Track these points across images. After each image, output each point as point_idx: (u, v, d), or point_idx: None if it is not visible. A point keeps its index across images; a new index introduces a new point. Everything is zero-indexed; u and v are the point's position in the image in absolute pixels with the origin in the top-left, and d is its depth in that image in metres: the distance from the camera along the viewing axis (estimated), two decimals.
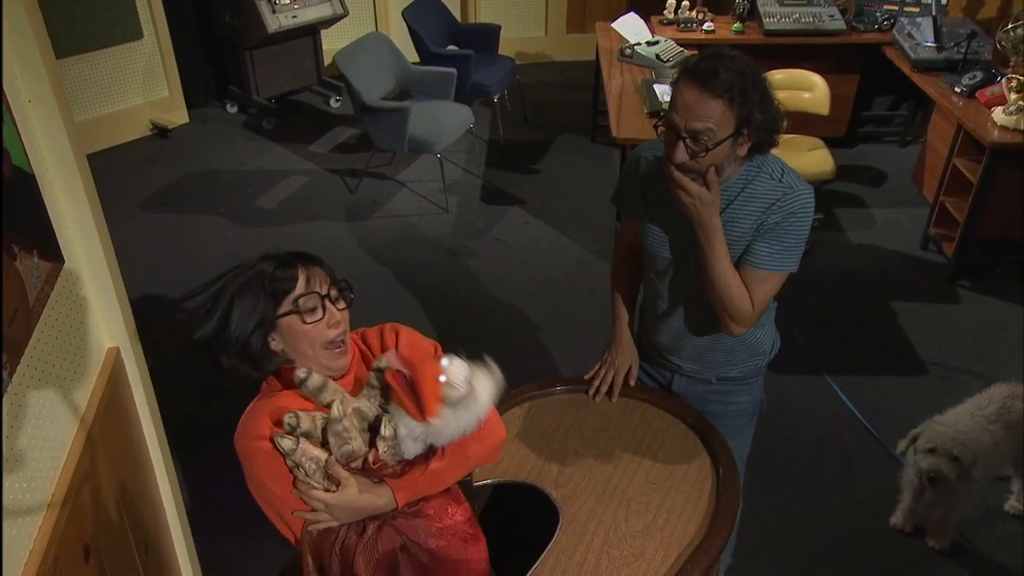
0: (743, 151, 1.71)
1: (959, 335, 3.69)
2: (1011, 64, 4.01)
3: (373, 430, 1.40)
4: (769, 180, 1.77)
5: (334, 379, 1.46)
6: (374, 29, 6.11)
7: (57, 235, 1.58)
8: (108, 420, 1.74)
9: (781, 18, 4.79)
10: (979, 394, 2.73)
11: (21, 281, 1.39)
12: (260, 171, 5.10)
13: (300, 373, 1.39)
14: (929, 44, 4.38)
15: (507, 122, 5.55)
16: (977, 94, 3.96)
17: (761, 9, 4.84)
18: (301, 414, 1.38)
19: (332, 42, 5.68)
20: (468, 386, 1.35)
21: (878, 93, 5.23)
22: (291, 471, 1.39)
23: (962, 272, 4.03)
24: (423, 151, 4.68)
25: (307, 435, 1.38)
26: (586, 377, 2.11)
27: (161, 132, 5.46)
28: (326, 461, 1.38)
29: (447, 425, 1.35)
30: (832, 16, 4.79)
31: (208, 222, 4.57)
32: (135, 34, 5.17)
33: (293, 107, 5.91)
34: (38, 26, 1.53)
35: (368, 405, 1.42)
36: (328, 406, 1.39)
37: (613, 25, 4.88)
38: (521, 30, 6.58)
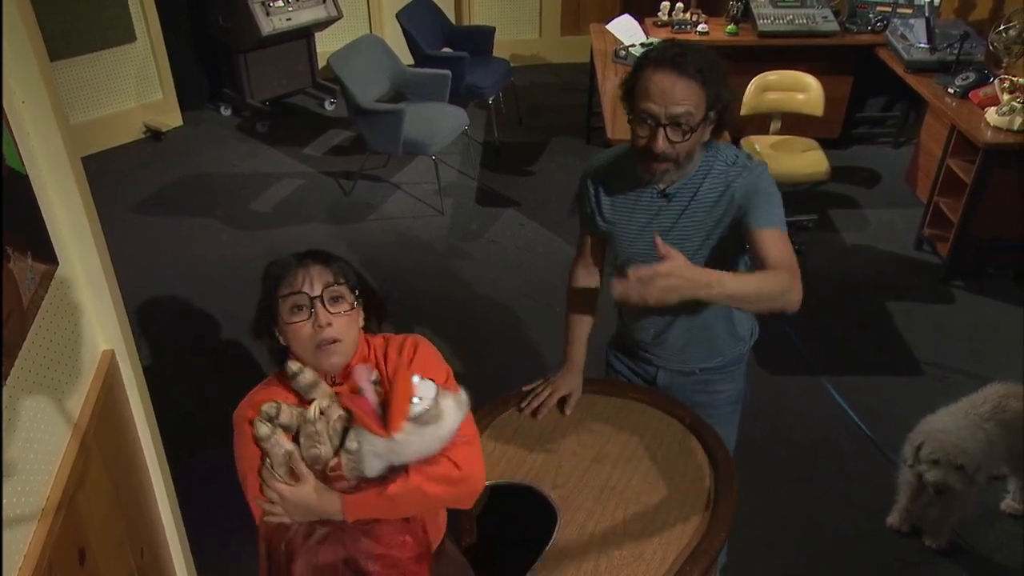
0: (707, 134, 1.73)
1: (954, 335, 3.70)
2: (1004, 65, 4.04)
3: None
4: (726, 164, 1.79)
5: (338, 380, 1.48)
6: (368, 31, 6.11)
7: (51, 237, 1.57)
8: (103, 423, 1.73)
9: (775, 20, 4.80)
10: (974, 393, 2.73)
11: (15, 283, 1.37)
12: (254, 174, 5.09)
13: (292, 367, 1.44)
14: (922, 45, 4.40)
15: (502, 124, 5.55)
16: (970, 95, 3.98)
17: (755, 11, 4.86)
18: (283, 407, 1.42)
19: (326, 44, 5.67)
20: (434, 403, 1.35)
21: (871, 94, 5.25)
22: (261, 457, 1.44)
23: (956, 272, 4.04)
24: (418, 153, 4.68)
25: (285, 428, 1.42)
26: (524, 388, 2.08)
27: (155, 135, 5.44)
28: (291, 455, 1.42)
29: (408, 442, 1.35)
30: (825, 17, 4.81)
31: (202, 225, 4.55)
32: (128, 37, 5.15)
33: (287, 110, 5.90)
34: (32, 26, 1.52)
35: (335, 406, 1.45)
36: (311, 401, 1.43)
37: (608, 27, 4.89)
38: (515, 32, 6.58)
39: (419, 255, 4.31)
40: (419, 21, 5.26)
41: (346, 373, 1.49)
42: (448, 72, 4.80)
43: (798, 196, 4.53)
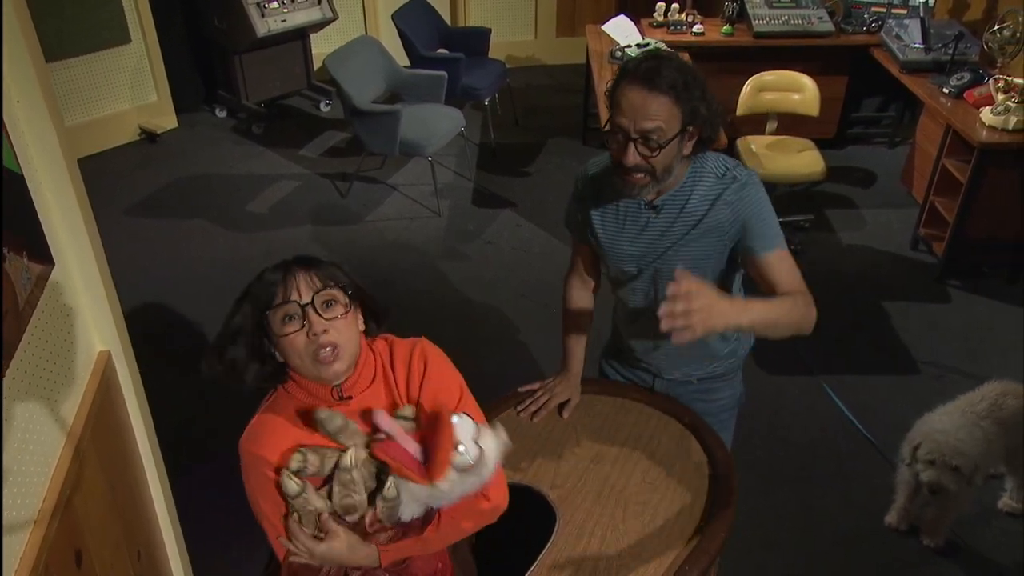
0: (688, 149, 1.71)
1: (950, 334, 3.71)
2: (998, 65, 4.05)
3: (380, 481, 1.37)
4: (713, 176, 1.77)
5: (346, 394, 1.42)
6: (363, 32, 6.10)
7: (46, 237, 1.56)
8: (99, 424, 1.72)
9: (770, 20, 4.81)
10: (971, 392, 2.74)
11: (11, 283, 1.37)
12: (250, 176, 5.08)
13: (321, 413, 1.34)
14: (917, 45, 4.41)
15: (498, 125, 5.55)
16: (965, 95, 3.99)
17: (750, 11, 4.86)
18: (310, 455, 1.34)
19: (322, 46, 5.67)
20: (476, 449, 1.29)
21: (866, 94, 5.27)
22: (287, 506, 1.38)
23: (952, 272, 4.05)
24: (414, 154, 4.67)
25: (313, 475, 1.35)
26: (520, 390, 2.07)
27: (150, 137, 5.43)
28: (322, 514, 1.37)
29: (452, 490, 1.30)
30: (820, 18, 4.82)
31: (198, 227, 4.54)
32: (123, 38, 5.14)
33: (283, 111, 5.89)
34: (27, 26, 1.52)
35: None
36: (343, 445, 1.35)
37: (603, 27, 4.90)
38: (511, 33, 6.59)
39: (416, 256, 4.30)
40: (415, 22, 5.26)
41: (351, 384, 1.43)
42: (444, 73, 4.79)
43: (794, 196, 4.55)
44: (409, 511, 1.36)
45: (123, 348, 1.86)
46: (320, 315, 1.36)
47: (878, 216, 4.61)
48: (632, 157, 1.65)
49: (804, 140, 4.29)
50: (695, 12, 5.07)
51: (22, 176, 1.47)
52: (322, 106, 5.89)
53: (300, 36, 5.64)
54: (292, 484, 1.32)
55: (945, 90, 4.07)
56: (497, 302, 3.94)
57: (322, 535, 1.38)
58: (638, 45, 4.54)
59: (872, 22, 4.82)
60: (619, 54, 4.52)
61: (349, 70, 4.53)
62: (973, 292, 3.99)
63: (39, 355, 1.51)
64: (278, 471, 1.35)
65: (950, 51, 4.26)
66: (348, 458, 1.33)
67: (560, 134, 5.58)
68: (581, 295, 2.12)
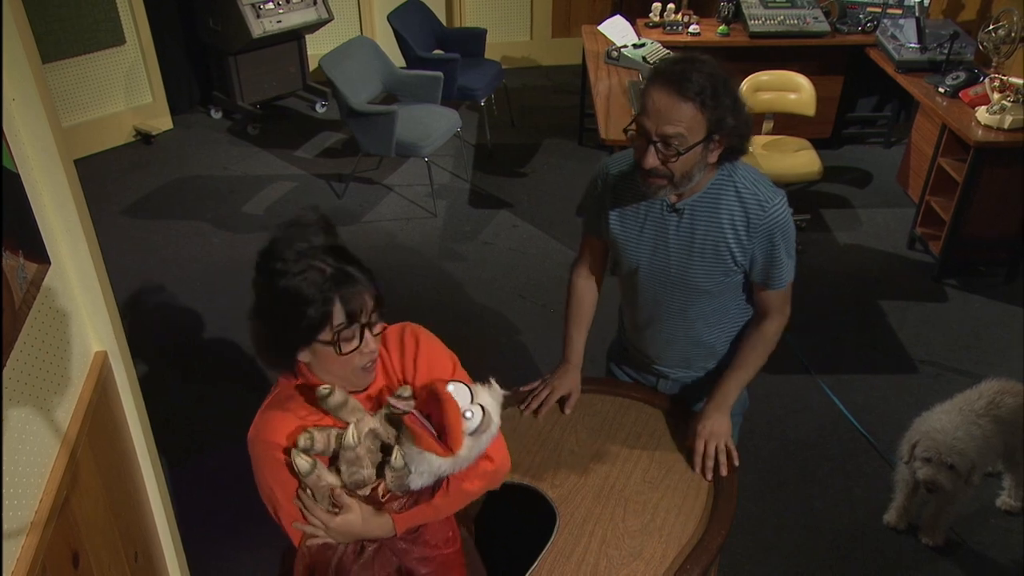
0: (714, 157, 1.69)
1: (947, 333, 3.71)
2: (993, 64, 4.06)
3: (384, 452, 1.40)
4: (743, 191, 1.75)
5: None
6: (359, 33, 6.09)
7: (42, 235, 1.55)
8: (96, 425, 1.70)
9: (766, 20, 4.81)
10: (969, 390, 2.74)
11: (7, 282, 1.35)
12: (246, 177, 5.07)
13: (323, 390, 1.35)
14: (912, 45, 4.42)
15: (494, 126, 5.55)
16: (960, 94, 4.00)
17: (746, 12, 4.87)
18: (316, 434, 1.35)
19: (317, 47, 5.65)
20: (480, 410, 1.35)
21: (862, 94, 5.27)
22: (299, 485, 1.39)
23: (949, 270, 4.06)
24: (410, 155, 4.66)
25: (321, 453, 1.37)
26: (522, 389, 2.06)
27: (145, 138, 5.41)
28: (334, 489, 1.38)
29: (470, 453, 1.37)
30: (816, 18, 4.83)
31: (194, 228, 4.52)
32: (117, 39, 5.12)
33: (278, 112, 5.88)
34: (23, 25, 1.51)
35: (385, 426, 1.41)
36: (345, 422, 1.38)
37: (599, 28, 4.90)
38: (506, 34, 6.58)
39: (413, 257, 4.29)
40: (410, 23, 5.26)
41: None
42: (440, 74, 4.79)
43: (791, 196, 4.54)
44: (421, 481, 1.39)
45: (119, 348, 1.84)
46: (373, 335, 1.38)
47: (874, 216, 4.62)
48: (651, 160, 1.64)
49: (800, 140, 4.29)
50: (691, 12, 5.07)
51: (17, 174, 1.46)
52: (318, 107, 5.88)
53: (295, 37, 5.63)
54: (303, 462, 1.33)
55: (941, 89, 4.08)
56: (494, 302, 3.93)
57: (336, 510, 1.40)
58: (634, 45, 4.55)
59: (868, 22, 4.83)
60: (615, 54, 4.52)
61: (345, 71, 4.52)
62: (970, 291, 3.99)
63: (35, 355, 1.50)
64: (288, 453, 1.36)
65: (945, 51, 4.27)
66: (350, 436, 1.34)
67: (556, 135, 5.58)
68: (586, 287, 2.10)
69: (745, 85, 4.30)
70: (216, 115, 5.76)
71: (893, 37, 4.54)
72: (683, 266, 1.82)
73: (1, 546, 1.31)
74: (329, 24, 5.62)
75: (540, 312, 3.86)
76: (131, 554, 1.87)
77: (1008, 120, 3.64)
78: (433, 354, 1.52)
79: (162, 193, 4.89)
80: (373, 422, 1.40)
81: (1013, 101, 3.67)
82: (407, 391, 1.43)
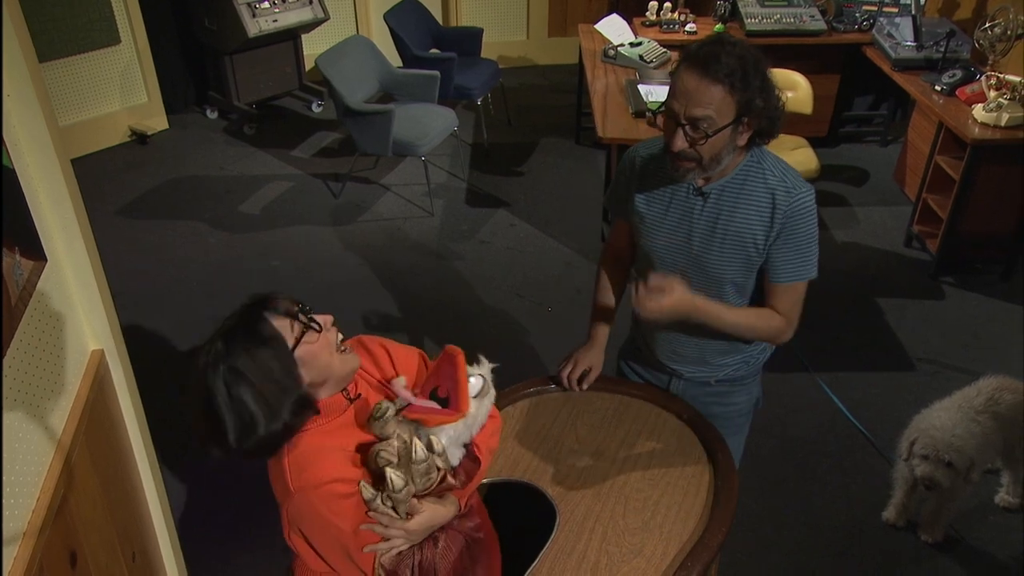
0: (743, 140, 1.68)
1: (944, 330, 3.71)
2: (990, 62, 4.06)
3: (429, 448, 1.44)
4: (772, 178, 1.74)
5: (352, 394, 1.46)
6: (355, 33, 6.08)
7: (39, 232, 1.54)
8: (93, 423, 1.69)
9: (762, 19, 4.81)
10: (967, 387, 2.74)
11: (3, 279, 1.34)
12: (242, 177, 5.05)
13: (383, 406, 1.42)
14: (909, 43, 4.42)
15: (491, 125, 5.54)
16: (957, 92, 4.00)
17: (742, 10, 4.87)
18: (394, 443, 1.40)
19: (313, 47, 5.63)
20: (480, 378, 1.48)
21: (858, 93, 5.27)
22: (374, 504, 1.36)
23: (946, 268, 4.06)
24: (407, 154, 4.65)
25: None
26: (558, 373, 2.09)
27: (140, 138, 5.39)
28: (404, 503, 1.38)
29: (478, 413, 1.46)
30: (812, 16, 4.83)
31: (190, 228, 4.51)
32: (112, 39, 5.10)
33: (274, 112, 5.87)
34: (19, 23, 1.50)
35: (412, 432, 1.43)
36: (385, 437, 1.42)
37: (596, 26, 4.89)
38: (503, 34, 6.58)
39: (410, 256, 4.28)
40: (406, 22, 5.25)
41: (352, 383, 1.47)
42: (437, 73, 4.78)
43: None
44: (455, 455, 1.47)
45: (116, 347, 1.83)
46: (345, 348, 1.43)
47: (871, 214, 4.62)
48: (680, 142, 1.64)
49: (797, 138, 4.29)
50: (687, 11, 5.08)
51: (13, 170, 1.45)
52: (314, 107, 5.87)
53: (291, 36, 5.61)
54: (399, 478, 1.34)
55: (937, 87, 4.08)
56: (492, 301, 3.93)
57: (410, 516, 1.40)
58: (631, 44, 4.54)
59: (864, 20, 4.83)
60: (612, 53, 4.52)
61: (341, 70, 4.51)
62: (967, 288, 4.00)
63: (32, 353, 1.49)
64: (349, 479, 1.35)
65: (942, 49, 4.27)
66: (419, 450, 1.36)
67: (553, 134, 5.58)
68: (615, 270, 2.10)
69: None
70: (212, 115, 5.74)
71: (889, 35, 4.54)
72: (704, 251, 1.80)
73: (1, 545, 1.30)
74: (325, 23, 5.61)
75: (537, 310, 3.85)
76: (129, 554, 1.85)
77: (1005, 117, 3.65)
78: (402, 352, 1.60)
79: (158, 193, 4.87)
80: (407, 429, 1.43)
81: (1010, 99, 3.68)
82: (404, 380, 1.49)
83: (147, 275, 4.09)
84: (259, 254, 4.25)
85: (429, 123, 4.57)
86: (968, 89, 3.95)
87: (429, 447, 1.39)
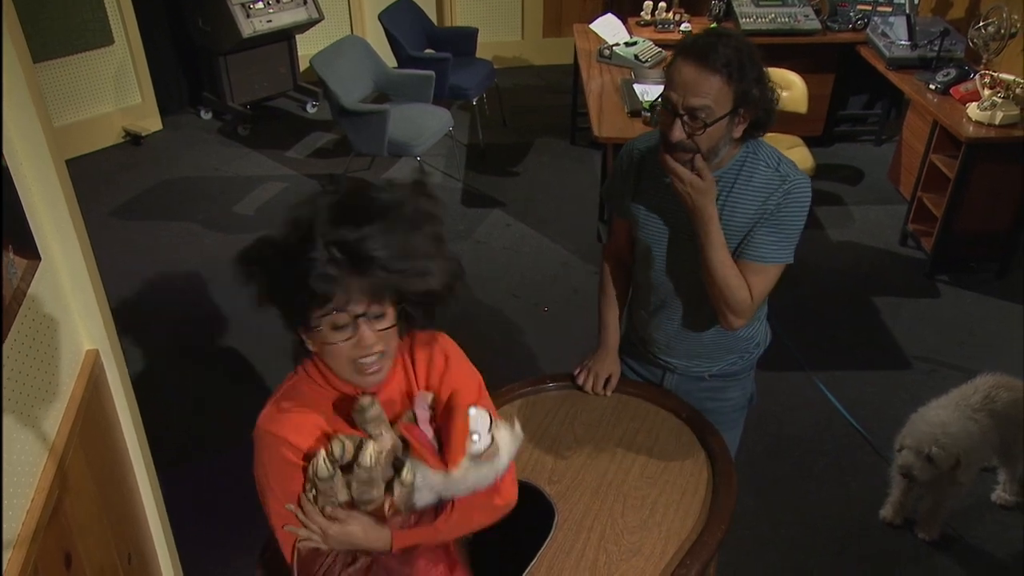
0: (739, 131, 1.68)
1: (940, 329, 3.72)
2: (983, 61, 4.07)
3: (396, 466, 1.35)
4: (766, 168, 1.74)
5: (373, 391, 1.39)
6: (350, 33, 6.07)
7: (32, 230, 1.52)
8: (88, 424, 1.68)
9: (757, 18, 4.82)
10: (965, 385, 2.74)
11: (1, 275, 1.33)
12: (236, 177, 5.03)
13: (365, 401, 1.31)
14: (903, 43, 4.43)
15: (486, 125, 5.53)
16: (951, 91, 4.01)
17: (737, 9, 4.88)
18: (347, 443, 1.31)
19: (307, 47, 5.62)
20: (490, 440, 1.32)
21: (853, 92, 5.29)
22: (304, 486, 1.34)
23: (941, 266, 4.07)
24: (402, 154, 4.64)
25: (345, 463, 1.33)
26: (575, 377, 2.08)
27: (134, 139, 5.37)
28: (343, 503, 1.35)
29: (465, 479, 1.32)
30: (807, 16, 4.83)
31: (184, 229, 4.49)
32: (105, 39, 5.08)
33: (269, 113, 5.85)
34: (13, 23, 1.49)
35: (398, 440, 1.37)
36: (367, 433, 1.33)
37: (591, 26, 4.90)
38: (497, 34, 6.57)
39: None
40: (401, 22, 5.23)
41: (382, 386, 1.39)
42: (432, 73, 4.77)
43: None
44: (423, 498, 1.35)
45: (111, 347, 1.82)
46: (371, 329, 1.29)
47: (867, 213, 4.63)
48: (677, 133, 1.64)
49: (792, 137, 4.29)
50: (682, 10, 5.08)
51: (5, 167, 1.44)
52: (308, 107, 5.85)
53: (286, 37, 5.60)
54: (325, 467, 1.29)
55: (932, 86, 4.09)
56: (488, 301, 3.92)
57: (337, 518, 1.36)
58: (626, 43, 4.54)
59: (858, 20, 4.84)
60: (607, 52, 4.52)
61: (336, 70, 4.50)
62: (962, 287, 4.01)
63: (25, 352, 1.48)
64: (300, 454, 1.32)
65: (936, 48, 4.28)
66: (368, 456, 1.29)
67: (548, 134, 5.57)
68: (618, 270, 2.09)
69: None
70: (206, 116, 5.72)
71: (883, 35, 4.55)
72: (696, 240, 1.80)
73: (1, 547, 1.28)
74: (319, 24, 5.60)
75: (533, 310, 3.85)
76: (124, 555, 1.84)
77: (999, 116, 3.66)
78: (461, 375, 1.46)
79: (152, 194, 4.85)
80: (391, 438, 1.35)
81: (1004, 97, 3.69)
82: (429, 397, 1.40)
83: (142, 276, 4.07)
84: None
85: (424, 123, 4.56)
86: (962, 88, 3.96)
87: (396, 468, 1.31)
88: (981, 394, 2.66)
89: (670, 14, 5.02)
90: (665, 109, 1.67)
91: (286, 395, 1.39)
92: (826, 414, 3.25)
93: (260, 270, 1.26)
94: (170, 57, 5.61)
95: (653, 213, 1.86)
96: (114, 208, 4.68)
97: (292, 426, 1.35)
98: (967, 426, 2.58)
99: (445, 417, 1.35)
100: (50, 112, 4.83)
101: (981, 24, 4.05)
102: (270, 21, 5.27)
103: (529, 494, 1.79)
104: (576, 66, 4.96)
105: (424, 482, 1.32)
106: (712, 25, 4.90)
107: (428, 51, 5.35)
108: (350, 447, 1.31)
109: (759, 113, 1.67)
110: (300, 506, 1.37)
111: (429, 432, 1.35)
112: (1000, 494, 2.85)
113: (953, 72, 4.06)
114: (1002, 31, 3.97)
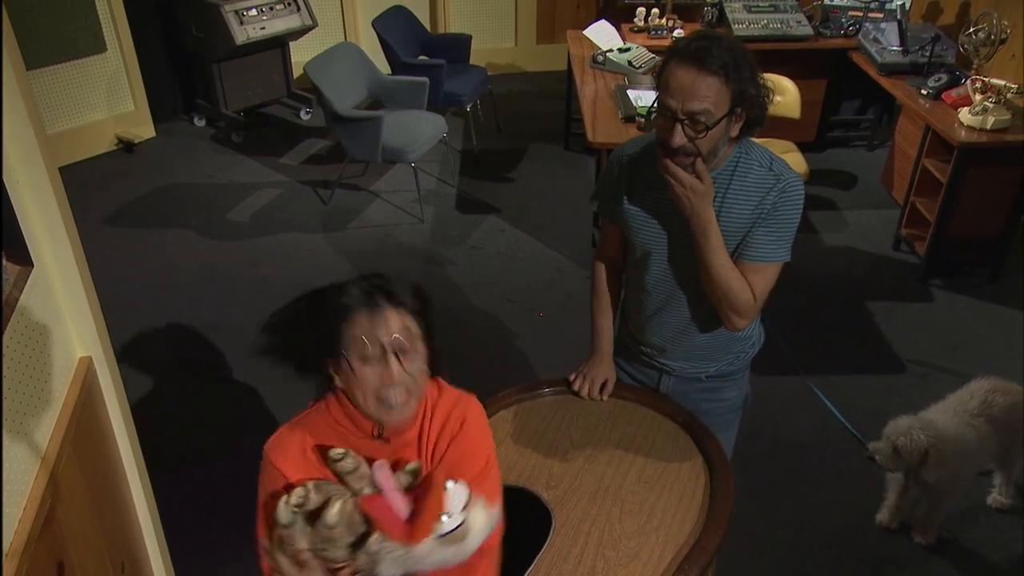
0: (736, 131, 1.69)
1: (933, 333, 3.73)
2: (974, 66, 4.10)
3: (369, 531, 1.31)
4: (759, 168, 1.75)
5: (386, 435, 1.37)
6: (343, 40, 6.06)
7: (25, 237, 1.51)
8: (81, 431, 1.67)
9: (749, 24, 4.84)
10: (961, 389, 2.75)
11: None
12: (230, 184, 5.02)
13: (335, 453, 1.30)
14: (895, 48, 4.46)
15: (480, 131, 5.54)
16: (943, 96, 4.03)
17: (730, 16, 4.90)
18: (313, 493, 1.26)
19: (301, 54, 5.62)
20: (461, 520, 1.27)
21: (845, 97, 5.31)
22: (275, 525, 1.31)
23: (934, 271, 4.09)
24: (396, 161, 4.64)
25: (311, 510, 1.29)
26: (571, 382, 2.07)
27: (127, 146, 5.36)
28: (300, 553, 1.29)
29: (429, 556, 1.27)
30: (799, 22, 4.86)
31: (178, 236, 4.48)
32: (98, 47, 5.07)
33: (262, 120, 5.84)
34: (6, 31, 1.48)
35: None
36: (352, 489, 1.31)
37: (585, 32, 4.91)
38: (491, 41, 6.58)
39: (401, 263, 4.26)
40: (395, 29, 5.24)
41: (395, 427, 1.38)
42: (426, 79, 4.78)
43: None
44: (388, 570, 1.29)
45: (104, 353, 1.81)
46: (400, 362, 1.30)
47: (860, 217, 4.65)
48: (679, 138, 1.64)
49: (786, 142, 4.31)
50: (675, 17, 5.10)
51: None
52: (302, 114, 5.85)
53: (279, 44, 5.59)
54: (286, 514, 1.25)
55: (923, 92, 4.11)
56: (483, 307, 3.91)
57: (300, 568, 1.30)
58: (620, 50, 4.55)
59: (850, 26, 4.87)
60: (601, 59, 4.53)
61: (330, 76, 4.50)
62: (955, 291, 4.02)
63: (18, 359, 1.46)
64: (288, 488, 1.30)
65: (927, 53, 4.31)
66: (332, 514, 1.24)
67: (542, 140, 5.58)
68: (609, 274, 2.09)
69: None
70: (199, 123, 5.71)
71: (875, 40, 4.58)
72: (695, 244, 1.80)
73: (1, 553, 1.27)
74: (313, 31, 5.60)
75: (528, 315, 3.84)
76: (118, 563, 1.83)
77: (991, 120, 3.68)
78: (471, 443, 1.42)
79: (146, 201, 4.84)
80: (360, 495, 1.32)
81: (995, 102, 3.71)
82: (415, 466, 1.37)
83: (135, 283, 4.05)
84: (248, 262, 4.22)
85: (418, 129, 4.56)
86: (954, 93, 3.99)
87: (361, 536, 1.27)
88: (978, 399, 2.66)
89: (663, 20, 5.04)
90: (662, 115, 1.66)
91: (299, 423, 1.39)
92: (822, 418, 3.25)
93: (292, 316, 1.34)
94: (163, 64, 5.59)
95: (648, 218, 1.86)
96: (107, 215, 4.66)
97: (291, 459, 1.34)
98: (964, 432, 2.58)
99: (423, 488, 1.32)
100: (43, 119, 4.86)
101: (972, 30, 4.08)
102: (263, 28, 5.27)
103: (526, 500, 1.79)
104: (570, 72, 4.97)
105: (389, 555, 1.28)
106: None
107: (422, 58, 5.35)
108: (314, 498, 1.27)
109: (755, 111, 1.67)
110: (266, 543, 1.33)
111: (399, 501, 1.31)
112: (996, 497, 2.85)
113: (944, 77, 4.08)
114: (992, 36, 4.00)
